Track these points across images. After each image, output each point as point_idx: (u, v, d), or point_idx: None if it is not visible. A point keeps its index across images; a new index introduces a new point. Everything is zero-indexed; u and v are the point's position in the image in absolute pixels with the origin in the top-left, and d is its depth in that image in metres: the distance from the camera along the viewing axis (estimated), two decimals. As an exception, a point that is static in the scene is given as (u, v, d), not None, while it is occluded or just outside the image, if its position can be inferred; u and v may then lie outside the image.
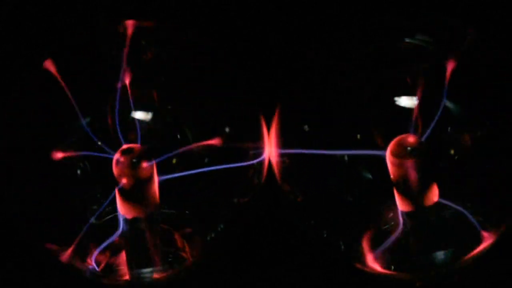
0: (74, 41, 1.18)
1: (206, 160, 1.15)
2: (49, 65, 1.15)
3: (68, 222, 1.16)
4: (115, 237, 1.14)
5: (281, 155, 1.16)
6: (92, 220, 1.15)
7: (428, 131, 1.09)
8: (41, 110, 1.15)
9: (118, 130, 1.13)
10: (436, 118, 1.09)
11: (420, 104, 1.11)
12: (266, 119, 1.18)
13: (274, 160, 1.17)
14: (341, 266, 1.22)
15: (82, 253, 1.15)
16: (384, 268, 1.14)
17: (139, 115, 1.14)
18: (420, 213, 1.11)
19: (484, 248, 1.13)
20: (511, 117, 1.12)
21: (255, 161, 1.16)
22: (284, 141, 1.16)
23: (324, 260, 1.24)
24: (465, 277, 1.16)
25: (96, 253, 1.15)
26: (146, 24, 1.19)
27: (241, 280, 1.30)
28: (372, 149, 1.12)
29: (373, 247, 1.14)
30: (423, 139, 1.10)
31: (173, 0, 1.35)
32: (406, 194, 1.11)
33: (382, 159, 1.11)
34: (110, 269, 1.16)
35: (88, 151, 1.13)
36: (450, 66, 1.11)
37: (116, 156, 1.11)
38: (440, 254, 1.13)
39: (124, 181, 1.10)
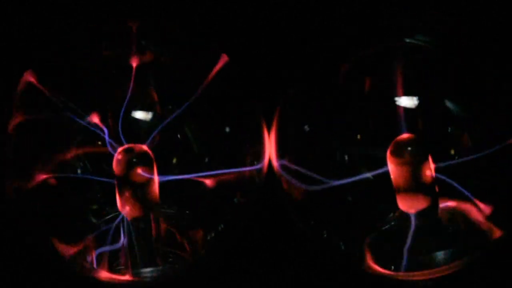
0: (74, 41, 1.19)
1: (206, 160, 1.15)
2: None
3: (68, 223, 1.16)
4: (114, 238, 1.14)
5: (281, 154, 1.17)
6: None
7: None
8: (41, 109, 1.16)
9: (120, 130, 1.13)
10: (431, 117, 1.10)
11: (420, 104, 1.11)
12: (266, 119, 1.19)
13: (274, 160, 1.17)
14: (341, 266, 1.22)
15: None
16: (384, 268, 1.14)
17: (138, 115, 1.14)
18: (420, 213, 1.11)
19: (484, 248, 1.13)
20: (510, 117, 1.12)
21: (255, 162, 1.17)
22: (284, 142, 1.17)
23: (324, 260, 1.24)
24: (465, 277, 1.17)
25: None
26: (146, 23, 1.19)
27: (242, 280, 1.30)
28: (372, 149, 1.12)
29: (373, 247, 1.14)
30: (422, 139, 1.10)
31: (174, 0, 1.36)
32: (407, 194, 1.11)
33: (381, 159, 1.11)
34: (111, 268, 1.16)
35: (89, 150, 1.14)
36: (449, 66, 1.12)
37: (116, 155, 1.12)
38: (440, 254, 1.13)
39: (124, 181, 1.11)
